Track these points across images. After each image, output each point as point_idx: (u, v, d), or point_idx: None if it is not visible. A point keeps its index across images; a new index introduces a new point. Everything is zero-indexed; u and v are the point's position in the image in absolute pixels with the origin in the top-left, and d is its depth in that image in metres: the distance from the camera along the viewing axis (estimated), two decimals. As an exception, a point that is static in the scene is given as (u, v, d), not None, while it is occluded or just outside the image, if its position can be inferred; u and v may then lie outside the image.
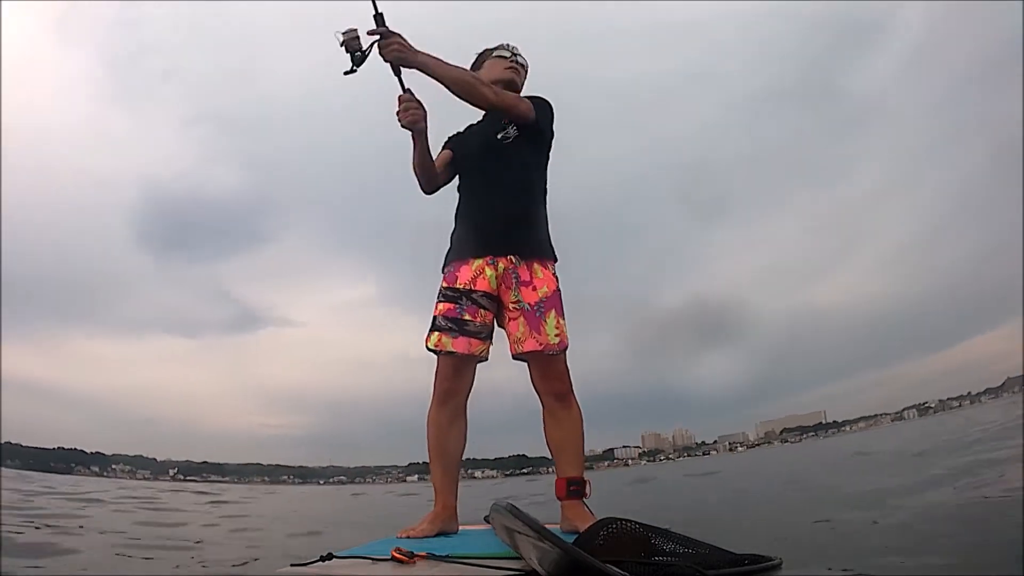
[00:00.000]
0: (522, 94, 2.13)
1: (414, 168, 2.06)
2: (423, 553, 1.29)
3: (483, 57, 2.18)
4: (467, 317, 1.94)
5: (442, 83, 1.85)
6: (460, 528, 1.92)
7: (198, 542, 3.36)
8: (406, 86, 1.91)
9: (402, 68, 1.86)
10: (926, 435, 10.52)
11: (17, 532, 3.12)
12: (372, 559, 1.31)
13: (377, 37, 1.78)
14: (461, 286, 1.96)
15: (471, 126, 2.24)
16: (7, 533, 3.06)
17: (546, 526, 1.08)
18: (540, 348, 1.89)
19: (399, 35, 1.79)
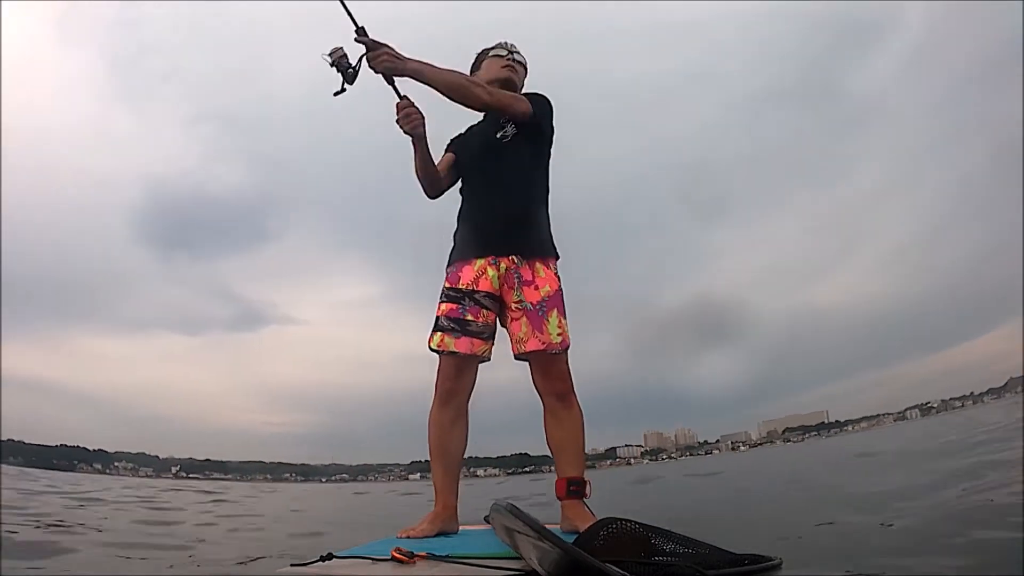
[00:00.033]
0: (523, 91, 2.13)
1: (416, 174, 2.06)
2: (423, 553, 1.29)
3: (481, 57, 2.18)
4: (469, 317, 1.94)
5: (435, 88, 1.84)
6: (460, 528, 1.92)
7: (200, 541, 3.36)
8: (402, 93, 1.91)
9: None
10: (929, 436, 10.49)
11: (11, 532, 3.11)
12: (372, 559, 1.31)
13: (364, 51, 1.78)
14: (463, 286, 1.96)
15: (472, 127, 2.24)
16: (7, 533, 3.06)
17: (546, 526, 1.07)
18: (543, 347, 1.89)
19: (386, 45, 1.79)
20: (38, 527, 3.51)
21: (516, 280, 1.93)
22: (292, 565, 1.28)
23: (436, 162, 2.11)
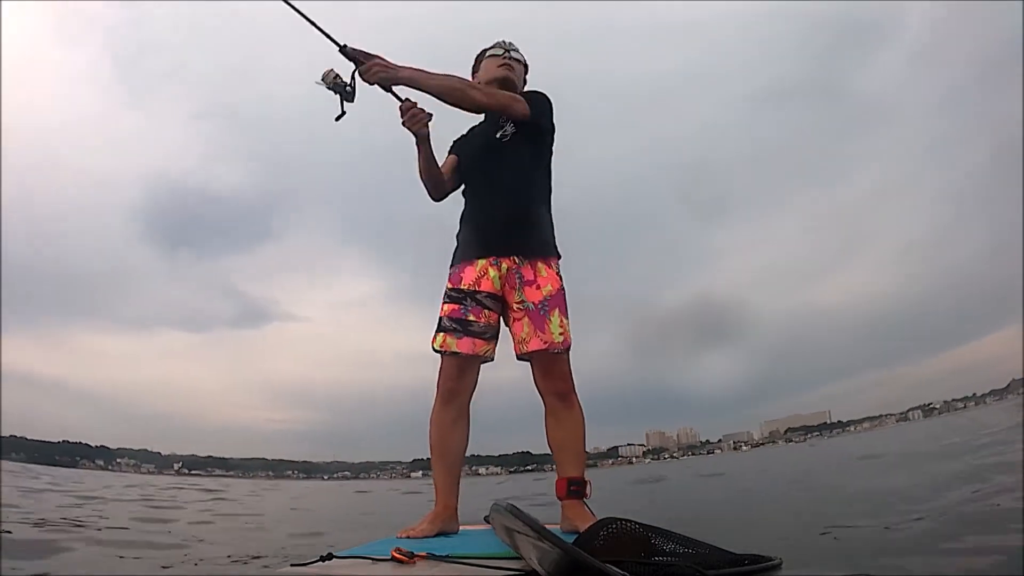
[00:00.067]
0: (524, 89, 2.12)
1: (420, 176, 2.06)
2: (423, 553, 1.28)
3: (480, 58, 2.17)
4: (471, 318, 1.94)
5: (431, 94, 1.84)
6: (460, 528, 1.92)
7: (199, 540, 3.36)
8: (402, 97, 1.91)
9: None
10: (932, 437, 10.47)
11: (6, 532, 3.11)
12: (372, 559, 1.30)
13: (354, 66, 1.78)
14: (465, 287, 1.96)
15: (473, 128, 2.23)
16: (6, 533, 3.06)
17: (546, 526, 1.07)
18: (545, 347, 1.88)
19: (377, 56, 1.79)
20: (37, 526, 3.51)
21: (518, 280, 1.93)
22: (292, 565, 1.28)
23: (440, 164, 2.11)
